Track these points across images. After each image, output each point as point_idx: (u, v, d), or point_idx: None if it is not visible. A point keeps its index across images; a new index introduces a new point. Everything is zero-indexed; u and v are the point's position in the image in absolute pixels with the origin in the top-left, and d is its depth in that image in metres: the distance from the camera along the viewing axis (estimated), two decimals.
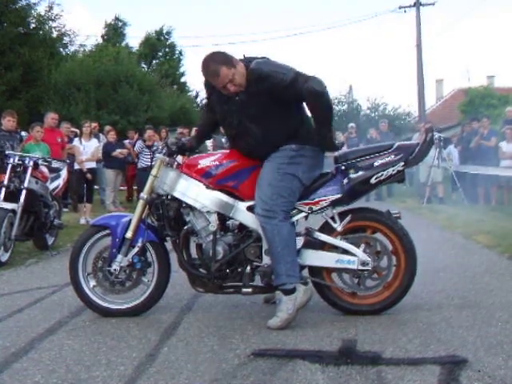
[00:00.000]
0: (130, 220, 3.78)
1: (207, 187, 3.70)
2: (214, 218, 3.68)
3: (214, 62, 3.51)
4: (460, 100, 27.18)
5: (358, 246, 3.71)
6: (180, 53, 36.44)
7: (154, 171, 3.78)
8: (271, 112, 3.59)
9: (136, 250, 3.76)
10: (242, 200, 3.69)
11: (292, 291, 3.55)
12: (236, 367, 2.88)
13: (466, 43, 73.36)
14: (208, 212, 3.68)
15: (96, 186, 12.71)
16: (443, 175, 13.33)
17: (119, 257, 3.75)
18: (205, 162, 3.74)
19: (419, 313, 3.78)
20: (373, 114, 32.18)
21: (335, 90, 34.03)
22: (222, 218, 3.72)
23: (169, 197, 3.76)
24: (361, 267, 3.69)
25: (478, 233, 7.54)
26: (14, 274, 5.54)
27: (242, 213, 3.68)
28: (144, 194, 3.78)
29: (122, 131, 15.94)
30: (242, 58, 3.66)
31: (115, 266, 3.75)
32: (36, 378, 2.78)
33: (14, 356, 3.10)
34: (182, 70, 36.73)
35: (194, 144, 4.08)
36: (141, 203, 3.78)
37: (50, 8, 21.63)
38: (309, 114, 3.76)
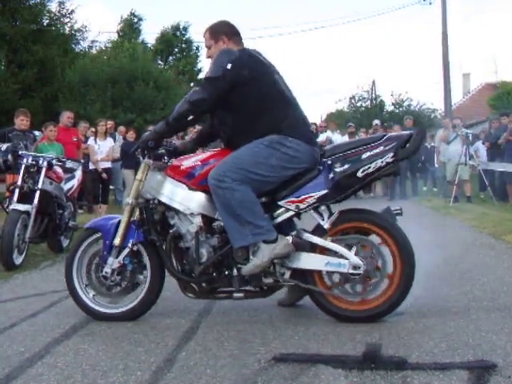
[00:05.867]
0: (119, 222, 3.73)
1: (190, 188, 3.62)
2: (197, 220, 3.59)
3: (211, 25, 3.84)
4: (488, 95, 26.85)
5: (350, 249, 3.56)
6: (197, 49, 36.14)
7: (138, 175, 3.72)
8: (237, 102, 3.56)
9: (127, 251, 3.70)
10: None
11: (273, 241, 3.47)
12: (256, 372, 2.82)
13: (493, 37, 72.54)
14: (191, 214, 3.60)
15: (111, 187, 12.70)
16: (470, 173, 13.12)
17: (110, 259, 3.70)
18: (187, 163, 3.67)
19: (446, 316, 3.67)
20: (397, 111, 31.92)
21: (357, 86, 33.81)
22: (209, 220, 3.63)
23: (155, 201, 3.69)
24: (352, 271, 3.53)
25: (507, 233, 7.36)
26: (29, 278, 5.53)
27: None
28: (129, 199, 3.71)
29: (138, 130, 15.91)
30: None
31: (106, 269, 3.71)
32: None
33: (29, 361, 3.06)
34: (199, 66, 36.37)
35: (189, 147, 4.02)
36: (127, 209, 3.71)
37: (61, 3, 21.74)
38: (298, 108, 3.73)
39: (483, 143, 14.14)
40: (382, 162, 3.50)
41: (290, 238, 3.53)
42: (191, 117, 3.58)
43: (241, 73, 3.51)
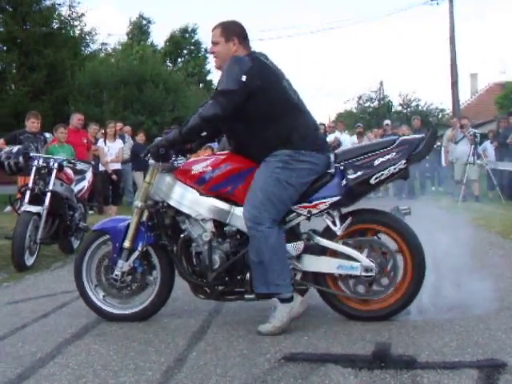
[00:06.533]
0: (129, 224, 3.72)
1: (201, 194, 3.59)
2: (209, 226, 3.57)
3: (224, 22, 3.72)
4: (495, 95, 26.75)
5: (361, 251, 3.55)
6: (205, 50, 36.06)
7: (147, 178, 3.72)
8: (248, 111, 3.50)
9: (137, 254, 3.70)
10: (238, 205, 3.55)
11: (289, 300, 3.46)
12: (266, 372, 2.82)
13: (501, 37, 72.17)
14: (203, 220, 3.57)
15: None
16: (479, 173, 13.07)
17: (120, 262, 3.69)
18: (198, 168, 3.62)
19: (455, 315, 3.65)
20: (405, 111, 31.89)
21: (365, 87, 33.85)
22: (220, 225, 3.60)
23: (165, 203, 3.67)
24: (364, 273, 3.52)
25: None
26: (40, 279, 5.55)
27: (239, 218, 3.53)
28: (138, 202, 3.70)
29: (147, 132, 15.89)
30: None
31: (117, 272, 3.71)
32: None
33: (41, 361, 3.08)
34: (207, 67, 36.33)
35: (194, 146, 3.99)
36: (136, 212, 3.70)
37: (70, 7, 21.76)
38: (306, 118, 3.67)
39: (491, 143, 14.09)
40: (394, 169, 3.48)
41: (301, 243, 3.54)
42: (204, 133, 3.60)
43: (254, 83, 3.45)
